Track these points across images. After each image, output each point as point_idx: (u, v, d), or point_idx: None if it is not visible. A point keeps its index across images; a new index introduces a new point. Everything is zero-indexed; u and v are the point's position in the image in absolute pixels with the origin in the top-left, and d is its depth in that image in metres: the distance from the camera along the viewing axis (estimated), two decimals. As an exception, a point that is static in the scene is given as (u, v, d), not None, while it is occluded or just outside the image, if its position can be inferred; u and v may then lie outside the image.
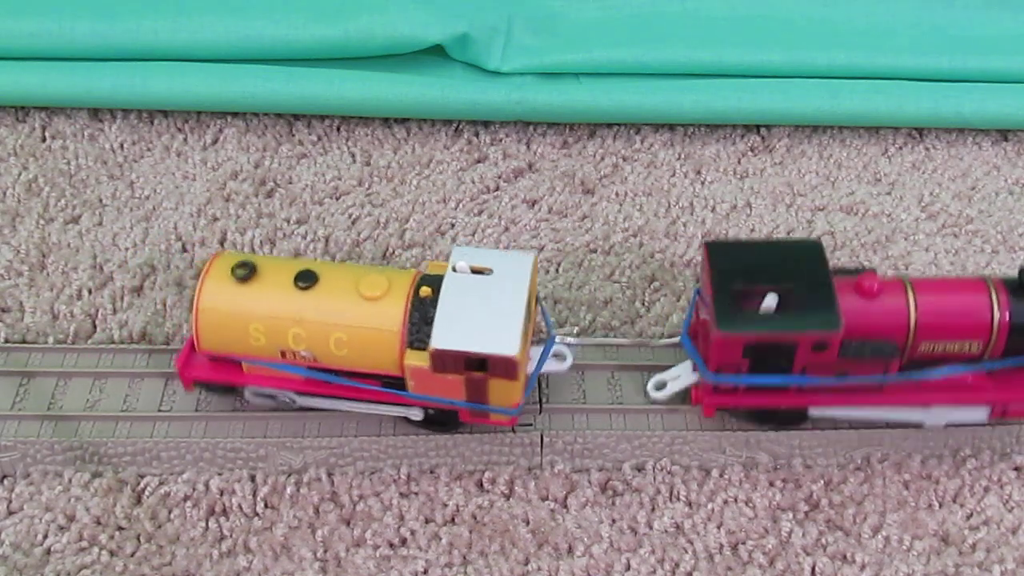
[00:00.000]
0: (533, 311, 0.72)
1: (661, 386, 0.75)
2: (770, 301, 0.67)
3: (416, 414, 0.72)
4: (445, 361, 0.66)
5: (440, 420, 0.72)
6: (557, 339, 0.74)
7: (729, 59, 0.98)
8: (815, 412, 0.73)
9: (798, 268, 0.69)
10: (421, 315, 0.67)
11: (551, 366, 0.73)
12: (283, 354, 0.69)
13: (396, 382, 0.69)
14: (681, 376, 0.74)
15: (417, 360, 0.67)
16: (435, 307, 0.67)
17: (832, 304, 0.67)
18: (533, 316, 0.72)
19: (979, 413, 0.72)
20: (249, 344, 0.69)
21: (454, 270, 0.68)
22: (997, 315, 0.68)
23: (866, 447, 0.75)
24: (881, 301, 0.69)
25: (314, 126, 0.98)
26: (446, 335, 0.66)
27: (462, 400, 0.69)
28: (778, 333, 0.67)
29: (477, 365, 0.66)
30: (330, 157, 0.96)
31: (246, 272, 0.68)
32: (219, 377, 0.72)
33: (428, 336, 0.66)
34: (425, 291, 0.68)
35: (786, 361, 0.68)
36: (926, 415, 0.72)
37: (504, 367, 0.66)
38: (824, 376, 0.69)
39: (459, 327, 0.66)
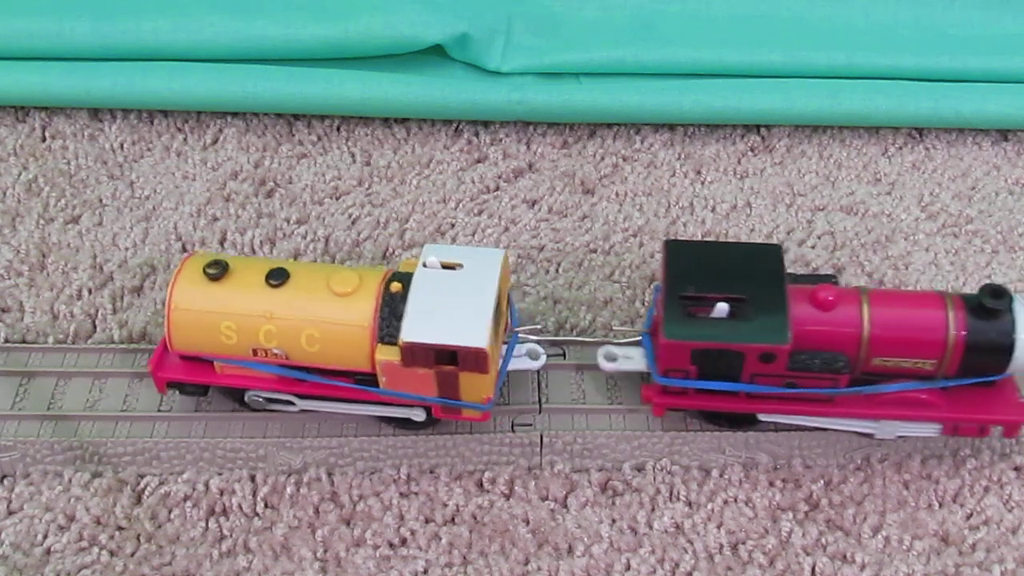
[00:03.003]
0: (504, 308, 0.72)
1: (612, 358, 0.74)
2: (720, 310, 0.67)
3: (419, 415, 0.72)
4: (415, 354, 0.66)
5: (414, 421, 0.73)
6: (519, 336, 0.74)
7: (729, 59, 0.98)
8: (764, 417, 0.73)
9: (755, 274, 0.68)
10: (391, 310, 0.67)
11: (524, 364, 0.73)
12: (255, 352, 0.69)
13: (369, 379, 0.69)
14: (634, 358, 0.74)
15: (388, 355, 0.67)
16: (405, 302, 0.67)
17: (782, 316, 0.66)
18: (505, 313, 0.72)
19: (930, 428, 0.72)
20: (221, 343, 0.69)
21: (424, 266, 0.69)
22: (952, 334, 0.67)
23: (866, 447, 0.75)
24: (835, 314, 0.68)
25: (314, 126, 0.98)
26: (416, 328, 0.66)
27: (434, 396, 0.69)
28: (725, 343, 0.67)
29: (447, 358, 0.66)
30: (330, 157, 0.96)
31: (218, 271, 0.68)
32: (192, 378, 0.72)
33: (398, 331, 0.66)
34: (395, 287, 0.68)
35: (734, 369, 0.68)
36: (877, 427, 0.72)
37: (474, 360, 0.66)
38: (773, 386, 0.69)
39: (429, 320, 0.66)
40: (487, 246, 0.88)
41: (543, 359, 0.73)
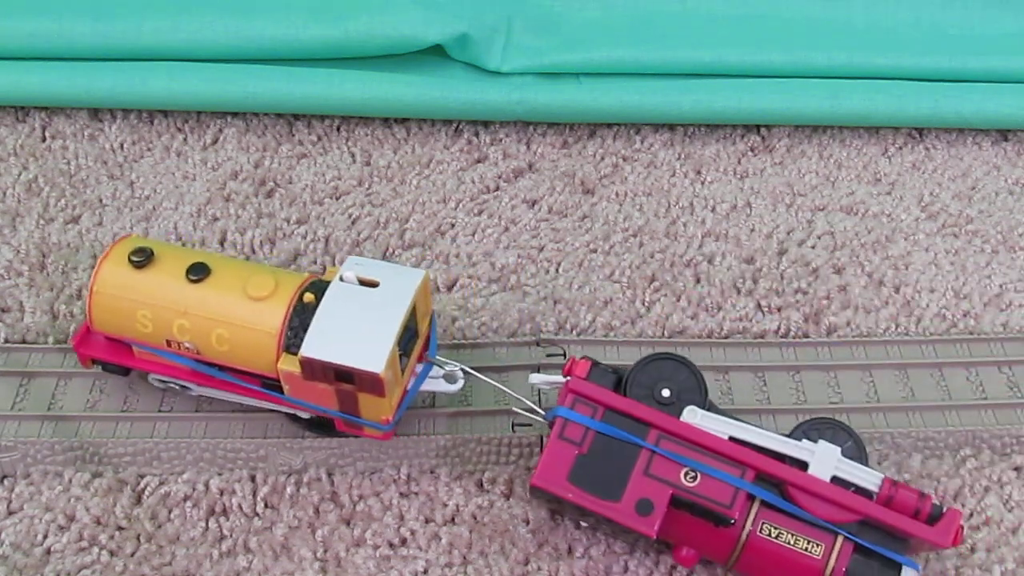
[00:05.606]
0: (424, 329, 0.71)
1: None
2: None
3: (304, 412, 0.72)
4: (314, 369, 0.66)
5: (321, 424, 0.73)
6: (435, 365, 0.73)
7: (729, 59, 0.98)
8: None
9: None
10: (301, 320, 0.67)
11: (441, 386, 0.72)
12: (168, 343, 0.70)
13: (276, 383, 0.69)
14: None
15: (290, 365, 0.67)
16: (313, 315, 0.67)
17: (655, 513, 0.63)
18: (423, 334, 0.72)
19: None
20: (137, 330, 0.70)
21: (341, 279, 0.68)
22: None
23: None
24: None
25: (314, 126, 0.98)
26: (316, 344, 0.65)
27: (335, 409, 0.69)
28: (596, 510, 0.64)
29: (345, 377, 0.66)
30: (330, 157, 0.96)
31: (141, 259, 0.69)
32: (113, 358, 0.73)
33: (303, 342, 0.66)
34: (308, 297, 0.67)
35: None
36: None
37: (370, 383, 0.65)
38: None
39: (331, 337, 0.65)
40: (487, 246, 0.88)
41: (460, 383, 0.72)
